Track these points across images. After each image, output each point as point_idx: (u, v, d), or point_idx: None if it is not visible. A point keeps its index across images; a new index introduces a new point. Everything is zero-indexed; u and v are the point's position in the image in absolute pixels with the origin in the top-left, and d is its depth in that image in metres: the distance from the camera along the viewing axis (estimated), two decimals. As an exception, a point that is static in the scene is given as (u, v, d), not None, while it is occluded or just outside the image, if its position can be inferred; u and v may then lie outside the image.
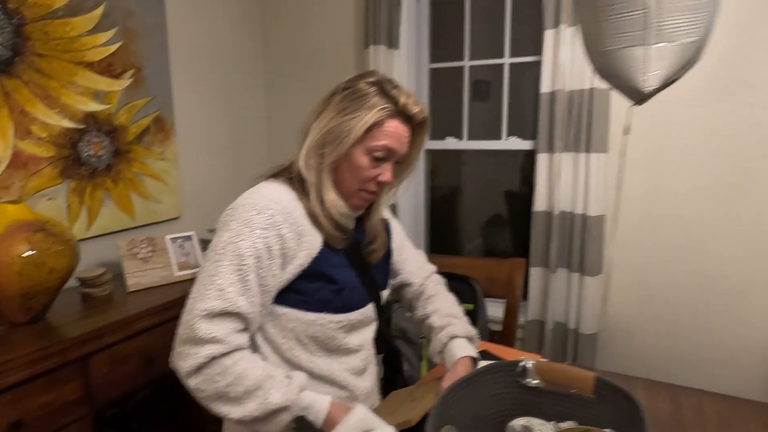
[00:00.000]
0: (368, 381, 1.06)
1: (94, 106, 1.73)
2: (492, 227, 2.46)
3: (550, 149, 1.92)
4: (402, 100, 0.94)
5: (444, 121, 2.35)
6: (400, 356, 1.39)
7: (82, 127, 1.70)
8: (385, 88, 0.95)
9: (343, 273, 0.98)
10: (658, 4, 0.68)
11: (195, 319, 0.84)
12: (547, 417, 0.85)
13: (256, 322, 0.91)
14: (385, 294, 1.11)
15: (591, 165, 1.84)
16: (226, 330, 0.85)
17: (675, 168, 1.83)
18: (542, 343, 2.05)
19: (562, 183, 1.91)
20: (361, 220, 1.07)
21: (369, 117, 0.92)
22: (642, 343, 1.97)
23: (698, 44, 0.74)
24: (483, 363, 1.03)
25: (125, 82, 1.82)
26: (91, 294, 1.58)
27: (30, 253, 1.29)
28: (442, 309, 1.14)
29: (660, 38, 0.69)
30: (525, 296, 2.10)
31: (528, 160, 2.18)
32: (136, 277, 1.65)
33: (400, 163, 1.03)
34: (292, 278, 0.93)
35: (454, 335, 1.07)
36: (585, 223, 1.89)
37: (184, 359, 0.84)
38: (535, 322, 2.07)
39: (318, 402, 0.85)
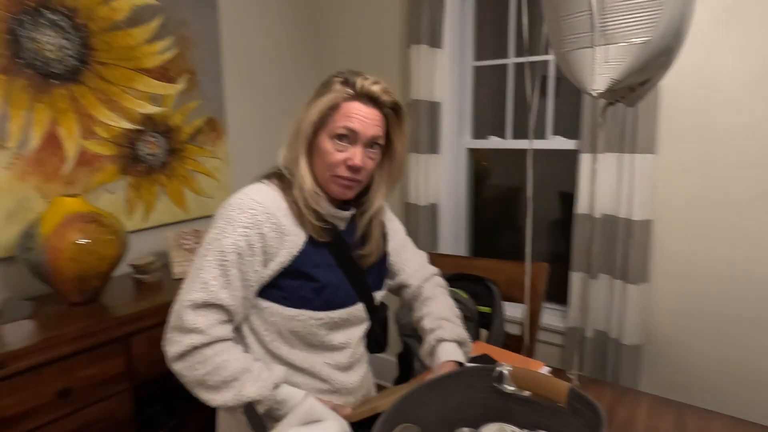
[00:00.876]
0: (354, 377, 1.07)
1: (151, 109, 1.89)
2: (548, 229, 2.38)
3: (593, 149, 1.83)
4: (359, 83, 0.96)
5: (488, 120, 2.31)
6: (412, 354, 1.41)
7: (140, 128, 1.87)
8: (348, 77, 0.98)
9: (326, 272, 1.00)
10: (600, 4, 0.64)
11: (181, 309, 0.91)
12: (520, 425, 0.84)
13: (239, 313, 0.96)
14: (378, 295, 1.12)
15: (636, 166, 1.74)
16: (209, 321, 0.90)
17: (726, 171, 1.68)
18: (582, 350, 1.96)
19: (605, 184, 1.82)
20: (353, 221, 1.08)
21: (324, 101, 0.96)
22: (689, 358, 1.82)
23: (653, 45, 0.67)
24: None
25: (179, 86, 1.98)
26: (142, 279, 1.74)
27: (83, 241, 1.45)
28: (434, 312, 1.13)
29: (606, 39, 0.65)
30: (565, 301, 2.03)
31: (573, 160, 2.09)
32: (182, 266, 1.79)
33: (376, 150, 1.02)
34: (274, 275, 0.97)
35: (442, 338, 1.07)
36: (629, 228, 1.78)
37: (171, 345, 0.91)
38: (574, 329, 1.98)
39: (293, 396, 0.89)
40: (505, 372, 0.85)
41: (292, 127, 1.01)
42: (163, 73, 1.92)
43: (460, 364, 1.03)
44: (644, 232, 1.77)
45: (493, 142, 2.26)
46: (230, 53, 2.19)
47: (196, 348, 0.89)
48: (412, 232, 2.29)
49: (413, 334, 1.42)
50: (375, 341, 1.17)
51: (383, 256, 1.14)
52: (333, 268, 1.01)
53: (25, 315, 1.45)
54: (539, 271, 1.50)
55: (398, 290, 1.23)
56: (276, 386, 0.90)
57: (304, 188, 0.98)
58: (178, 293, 0.96)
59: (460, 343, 1.08)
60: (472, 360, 1.15)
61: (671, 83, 1.73)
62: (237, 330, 1.01)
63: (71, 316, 1.46)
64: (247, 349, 1.01)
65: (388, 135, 1.04)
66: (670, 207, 1.79)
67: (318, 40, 2.60)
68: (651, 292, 1.84)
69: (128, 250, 1.65)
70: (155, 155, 1.93)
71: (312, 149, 1.00)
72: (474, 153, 2.38)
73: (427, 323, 1.12)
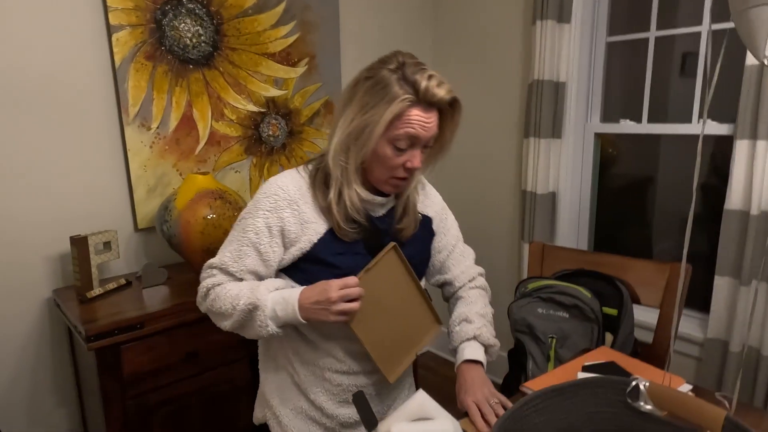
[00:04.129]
0: (370, 365, 1.06)
1: (274, 92, 1.97)
2: (683, 226, 2.11)
3: (753, 135, 1.56)
4: (423, 85, 0.91)
5: (618, 101, 2.08)
6: (525, 353, 1.32)
7: (263, 110, 1.95)
8: (406, 73, 0.92)
9: (350, 260, 1.00)
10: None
11: (205, 266, 1.05)
12: (656, 450, 0.73)
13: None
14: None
15: (811, 155, 1.45)
16: (222, 275, 1.02)
17: None
18: (724, 366, 1.71)
19: (765, 177, 1.55)
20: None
21: (389, 112, 0.91)
22: None
23: None
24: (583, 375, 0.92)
25: (300, 69, 2.04)
26: (260, 255, 1.84)
27: (211, 216, 1.55)
28: (469, 312, 1.12)
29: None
30: (705, 308, 1.78)
31: (721, 147, 1.81)
32: (297, 245, 1.86)
33: (431, 147, 1.02)
34: (295, 259, 1.01)
35: (469, 337, 1.08)
36: (796, 229, 1.50)
37: (198, 294, 1.05)
38: (716, 342, 1.73)
39: (291, 294, 0.94)
40: (642, 387, 0.74)
41: (341, 134, 0.96)
42: (286, 57, 1.99)
43: (479, 363, 1.04)
44: (817, 235, 1.48)
45: (626, 127, 2.03)
46: (349, 36, 2.21)
47: (210, 288, 1.01)
48: (528, 222, 2.16)
49: (528, 330, 1.33)
50: None
51: (426, 249, 1.14)
52: (360, 257, 1.01)
53: (160, 281, 1.59)
54: (678, 273, 1.32)
55: (441, 286, 1.23)
56: (269, 291, 0.96)
57: (344, 193, 0.98)
58: None
59: (487, 346, 1.08)
60: (597, 366, 1.04)
61: None
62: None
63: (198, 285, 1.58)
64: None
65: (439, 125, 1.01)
66: None
67: (435, 21, 2.53)
68: (821, 306, 1.55)
69: (249, 226, 1.74)
70: (276, 137, 2.01)
71: (365, 155, 0.99)
72: (599, 138, 2.17)
73: (456, 322, 1.13)
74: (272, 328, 0.95)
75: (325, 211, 0.99)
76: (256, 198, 1.02)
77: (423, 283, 1.16)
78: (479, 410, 0.93)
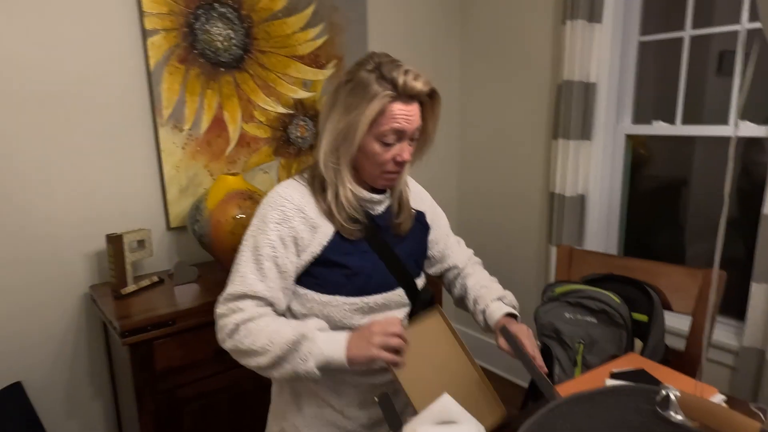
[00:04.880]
0: None
1: (302, 94, 2.00)
2: (716, 230, 2.05)
3: (794, 137, 1.51)
4: (401, 80, 0.94)
5: (649, 102, 2.04)
6: (551, 357, 1.31)
7: (291, 112, 1.98)
8: (383, 71, 0.95)
9: (358, 259, 1.02)
10: None
11: (224, 300, 0.99)
12: (687, 462, 0.71)
13: (279, 302, 1.00)
14: (420, 281, 1.15)
15: None
16: (248, 305, 0.97)
17: None
18: (760, 376, 1.66)
19: (807, 181, 1.49)
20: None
21: (371, 109, 0.94)
22: None
23: None
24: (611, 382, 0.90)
25: (328, 71, 2.06)
26: (288, 255, 1.86)
27: (241, 216, 1.58)
28: (477, 282, 1.22)
29: None
30: (742, 316, 1.73)
31: (758, 149, 1.76)
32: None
33: (416, 138, 1.04)
34: (307, 264, 1.01)
35: (492, 299, 1.15)
36: (839, 235, 1.45)
37: (219, 332, 0.99)
38: (752, 351, 1.68)
39: (339, 333, 0.94)
40: (673, 396, 0.73)
41: (329, 137, 1.00)
42: (314, 59, 2.01)
43: (514, 316, 1.13)
44: None
45: (659, 128, 1.99)
46: (376, 38, 2.22)
47: (239, 324, 0.96)
48: (556, 225, 2.13)
49: (555, 335, 1.32)
50: None
51: (424, 242, 1.19)
52: (367, 255, 1.04)
53: (191, 279, 1.63)
54: (710, 280, 1.29)
55: (444, 273, 1.30)
56: (317, 329, 0.95)
57: (340, 194, 1.00)
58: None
59: (504, 300, 1.16)
60: (626, 374, 1.02)
61: None
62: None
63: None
64: None
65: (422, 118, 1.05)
66: None
67: (463, 22, 2.52)
68: None
69: (277, 226, 1.77)
70: (304, 138, 2.04)
71: (353, 154, 1.01)
72: (630, 140, 2.12)
73: (471, 293, 1.21)
74: (311, 364, 0.91)
75: (328, 213, 1.02)
76: (262, 213, 1.02)
77: (421, 280, 1.17)
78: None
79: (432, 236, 1.22)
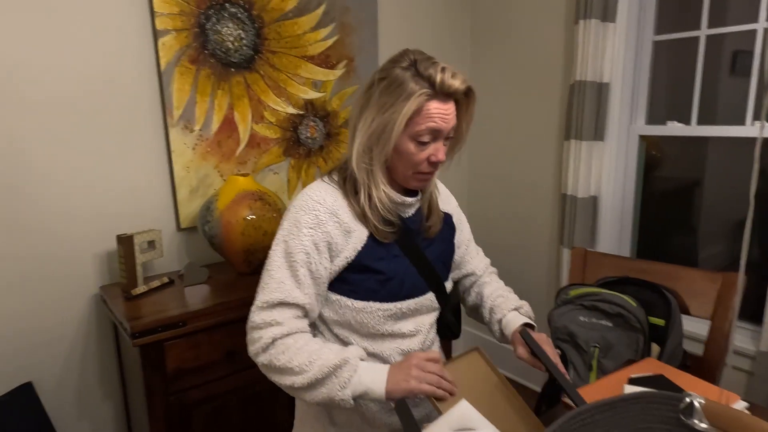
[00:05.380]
0: None
1: (312, 95, 1.99)
2: (734, 232, 2.02)
3: (814, 138, 1.48)
4: (438, 78, 0.92)
5: (662, 103, 2.01)
6: (566, 361, 1.29)
7: (302, 112, 1.97)
8: (419, 69, 0.93)
9: (391, 264, 1.00)
10: None
11: (259, 309, 0.95)
12: (712, 470, 0.69)
13: (314, 310, 0.98)
14: (449, 285, 1.14)
15: None
16: (286, 316, 0.94)
17: None
18: (778, 382, 1.63)
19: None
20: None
21: (408, 108, 0.91)
22: None
23: None
24: (632, 388, 0.88)
25: (339, 72, 2.05)
26: (298, 256, 1.85)
27: (251, 216, 1.57)
28: (495, 291, 1.20)
29: None
30: (760, 320, 1.70)
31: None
32: (333, 246, 1.87)
33: (451, 138, 1.02)
34: (340, 270, 0.99)
35: (509, 309, 1.13)
36: None
37: (253, 343, 0.95)
38: (769, 355, 1.65)
39: (381, 365, 0.92)
40: (697, 404, 0.71)
41: (362, 137, 0.97)
42: (325, 60, 2.00)
43: (531, 326, 1.10)
44: None
45: (674, 129, 1.96)
46: (387, 38, 2.21)
47: (276, 339, 0.92)
48: (568, 227, 2.10)
49: (569, 339, 1.30)
50: (447, 328, 1.17)
51: (451, 246, 1.16)
52: (399, 259, 1.02)
53: (201, 280, 1.62)
54: (731, 284, 1.26)
55: (461, 279, 1.27)
56: (359, 358, 0.92)
57: (373, 196, 0.98)
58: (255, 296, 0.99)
59: (519, 310, 1.14)
60: (645, 379, 1.00)
61: None
62: (311, 325, 1.04)
63: (239, 285, 1.61)
64: (317, 337, 1.04)
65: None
66: None
67: (473, 22, 2.50)
68: None
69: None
70: (314, 139, 2.03)
71: (388, 154, 0.99)
72: (643, 141, 2.09)
73: (487, 302, 1.18)
74: (348, 392, 0.89)
75: (361, 216, 0.99)
76: (294, 216, 0.98)
77: (449, 283, 1.16)
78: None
79: (456, 239, 1.19)
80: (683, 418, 0.72)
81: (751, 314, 1.80)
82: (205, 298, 1.50)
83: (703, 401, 0.71)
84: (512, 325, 1.10)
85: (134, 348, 1.35)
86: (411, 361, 0.91)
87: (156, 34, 1.61)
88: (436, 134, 0.96)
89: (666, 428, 0.73)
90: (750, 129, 1.74)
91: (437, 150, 0.97)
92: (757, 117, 1.74)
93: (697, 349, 1.35)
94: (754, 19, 1.71)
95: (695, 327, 1.71)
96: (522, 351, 1.03)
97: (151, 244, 1.60)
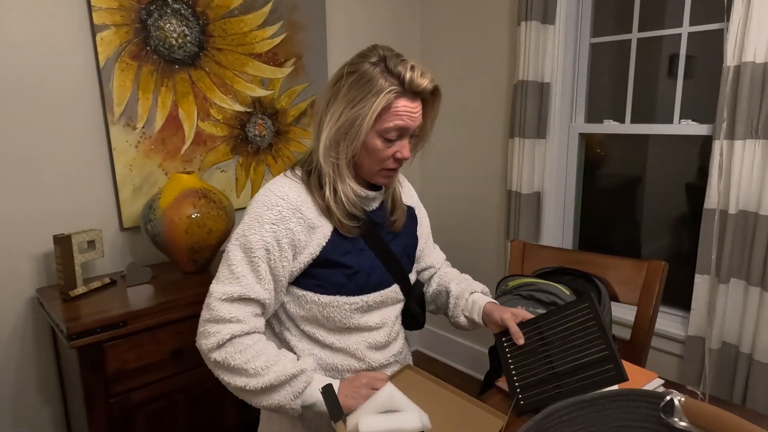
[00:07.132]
0: (387, 354, 1.09)
1: (260, 92, 1.98)
2: (672, 226, 2.14)
3: (731, 135, 1.59)
4: (408, 76, 0.93)
5: (604, 102, 2.11)
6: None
7: (249, 110, 1.96)
8: (388, 65, 0.94)
9: (357, 258, 1.01)
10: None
11: (217, 301, 0.93)
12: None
13: (271, 306, 0.98)
14: (412, 277, 1.16)
15: (787, 155, 1.47)
16: (245, 312, 0.93)
17: None
18: (704, 363, 1.74)
19: (744, 176, 1.57)
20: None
21: (377, 104, 0.92)
22: None
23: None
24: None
25: (287, 69, 2.05)
26: (246, 254, 1.84)
27: (195, 215, 1.56)
28: (455, 278, 1.26)
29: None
30: (688, 307, 1.80)
31: (706, 147, 1.84)
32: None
33: (416, 135, 1.04)
34: (304, 267, 0.98)
35: (474, 290, 1.20)
36: (773, 227, 1.53)
37: (207, 337, 0.93)
38: (696, 339, 1.76)
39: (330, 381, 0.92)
40: (677, 402, 0.70)
41: (329, 130, 0.96)
42: (273, 57, 1.99)
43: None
44: (793, 233, 1.51)
45: (609, 127, 2.06)
46: (336, 37, 2.22)
47: (234, 337, 0.91)
48: (513, 222, 2.18)
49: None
50: (412, 318, 1.18)
51: (414, 239, 1.19)
52: (365, 252, 1.03)
53: (145, 280, 1.59)
54: (655, 271, 1.34)
55: (420, 271, 1.30)
56: (314, 370, 0.93)
57: (338, 189, 0.98)
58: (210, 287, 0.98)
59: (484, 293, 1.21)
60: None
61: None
62: (269, 322, 1.06)
63: (184, 284, 1.59)
64: (283, 333, 1.05)
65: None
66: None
67: (423, 22, 2.55)
68: (797, 303, 1.57)
69: (235, 225, 1.75)
70: (262, 137, 2.02)
71: (356, 149, 1.00)
72: (588, 140, 2.19)
73: (453, 287, 1.23)
74: (299, 402, 0.90)
75: (326, 211, 0.99)
76: (256, 211, 0.96)
77: (413, 275, 1.19)
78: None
79: (417, 231, 1.22)
80: (663, 416, 0.71)
81: (683, 302, 1.91)
82: (148, 298, 1.47)
83: (683, 399, 0.70)
84: (480, 303, 1.16)
85: (72, 351, 1.31)
86: (361, 379, 0.93)
87: (94, 29, 1.57)
88: (402, 132, 0.97)
89: (646, 426, 0.72)
90: (676, 127, 1.85)
91: (403, 147, 0.99)
92: (683, 116, 1.85)
93: (626, 334, 1.42)
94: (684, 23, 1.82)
95: (624, 313, 1.80)
96: (494, 328, 1.11)
97: (91, 244, 1.56)
